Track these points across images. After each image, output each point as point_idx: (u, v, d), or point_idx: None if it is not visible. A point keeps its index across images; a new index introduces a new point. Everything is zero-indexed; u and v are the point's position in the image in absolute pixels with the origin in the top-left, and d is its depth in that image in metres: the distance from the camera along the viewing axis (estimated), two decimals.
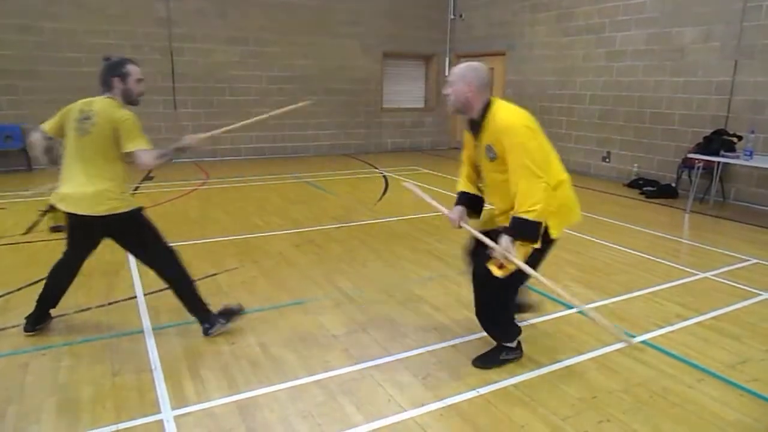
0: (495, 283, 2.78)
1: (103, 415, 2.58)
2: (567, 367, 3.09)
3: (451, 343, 3.35)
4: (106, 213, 3.06)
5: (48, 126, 3.22)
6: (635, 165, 8.97)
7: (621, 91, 9.11)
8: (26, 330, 3.35)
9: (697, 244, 5.63)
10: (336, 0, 11.45)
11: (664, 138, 8.51)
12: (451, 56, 12.87)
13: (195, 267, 4.55)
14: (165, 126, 10.22)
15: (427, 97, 13.26)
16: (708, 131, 7.55)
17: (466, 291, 4.18)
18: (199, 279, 4.32)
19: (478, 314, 3.03)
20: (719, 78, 7.67)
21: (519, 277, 2.84)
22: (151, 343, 3.30)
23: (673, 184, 8.15)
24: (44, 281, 3.39)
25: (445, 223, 6.22)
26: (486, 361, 3.09)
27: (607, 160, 9.47)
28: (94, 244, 3.31)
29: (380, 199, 7.56)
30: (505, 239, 2.69)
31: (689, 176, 7.74)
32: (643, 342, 3.41)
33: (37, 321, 3.38)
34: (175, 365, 3.05)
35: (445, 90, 2.97)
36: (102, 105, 3.08)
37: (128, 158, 3.10)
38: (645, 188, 8.26)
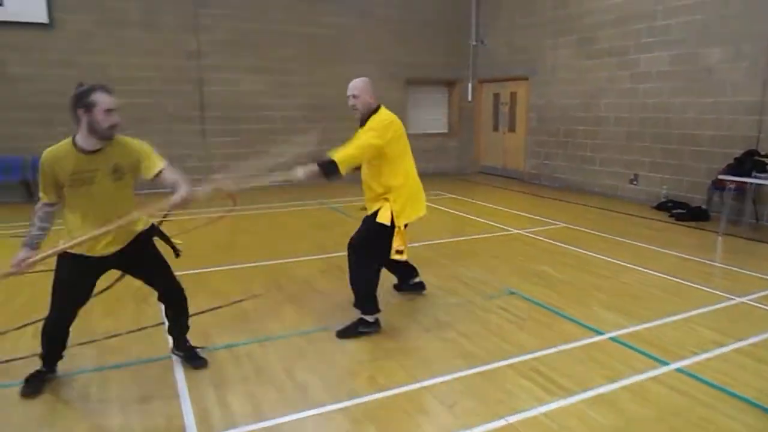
0: (359, 254, 3.78)
1: None
2: (599, 395, 3.00)
3: (478, 370, 3.30)
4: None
5: None
6: (664, 187, 8.81)
7: (647, 112, 9.02)
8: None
9: (731, 268, 5.47)
10: (359, 29, 11.69)
11: (694, 159, 8.36)
12: (474, 82, 12.95)
13: (222, 293, 4.61)
14: (194, 154, 10.49)
15: (450, 122, 13.32)
16: (739, 152, 7.40)
17: (493, 317, 4.14)
18: (226, 305, 4.38)
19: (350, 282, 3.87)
20: (749, 98, 7.54)
21: (379, 254, 3.79)
22: (178, 369, 3.33)
23: (704, 206, 7.97)
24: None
25: (470, 248, 6.20)
26: (345, 333, 3.76)
27: (635, 182, 9.33)
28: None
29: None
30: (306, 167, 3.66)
31: (720, 198, 7.56)
32: (678, 369, 3.30)
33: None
34: (202, 391, 3.06)
35: (351, 101, 3.78)
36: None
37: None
38: (674, 210, 8.09)
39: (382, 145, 3.66)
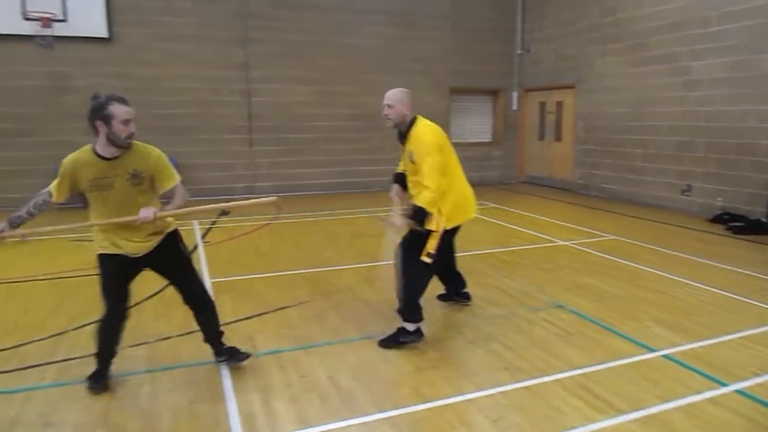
0: (408, 260, 3.72)
1: None
2: (651, 415, 2.89)
3: (524, 384, 3.23)
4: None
5: None
6: (719, 199, 8.45)
7: (700, 121, 8.69)
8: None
9: None
10: (403, 39, 11.76)
11: (752, 170, 7.98)
12: (519, 90, 12.80)
13: (267, 299, 4.69)
14: (241, 163, 10.77)
15: (494, 131, 13.19)
16: None
17: (537, 329, 4.06)
18: (270, 311, 4.45)
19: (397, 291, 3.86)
20: None
21: (429, 266, 3.70)
22: (225, 373, 3.39)
23: (764, 219, 7.59)
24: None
25: (514, 259, 6.10)
26: (387, 342, 3.75)
27: (688, 193, 8.98)
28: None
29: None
30: (399, 215, 3.73)
31: None
32: (738, 391, 3.14)
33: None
34: (248, 396, 3.12)
35: (386, 111, 3.82)
36: None
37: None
38: (731, 223, 7.74)
39: (442, 160, 3.68)
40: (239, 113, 10.71)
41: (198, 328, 3.46)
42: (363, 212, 9.13)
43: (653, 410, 2.93)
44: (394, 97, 3.79)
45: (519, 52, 12.69)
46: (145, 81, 10.07)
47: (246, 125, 10.82)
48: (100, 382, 3.20)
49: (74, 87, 9.66)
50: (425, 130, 3.74)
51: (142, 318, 4.27)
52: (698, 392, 3.11)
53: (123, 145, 2.97)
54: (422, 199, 3.60)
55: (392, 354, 3.66)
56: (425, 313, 3.87)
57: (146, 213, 2.92)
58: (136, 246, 3.11)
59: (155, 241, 3.17)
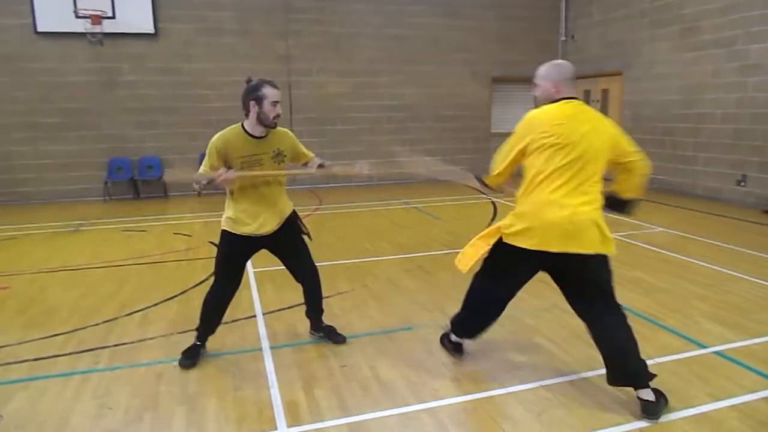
0: (481, 267, 3.13)
1: (226, 428, 2.74)
2: (702, 413, 2.79)
3: (568, 378, 3.17)
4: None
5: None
6: None
7: (758, 108, 8.27)
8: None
9: None
10: (444, 28, 11.62)
11: None
12: None
13: None
14: None
15: None
16: None
17: (582, 323, 3.95)
18: None
19: None
20: None
21: (487, 278, 3.08)
22: (268, 361, 3.46)
23: None
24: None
25: None
26: (441, 337, 3.54)
27: (743, 183, 8.58)
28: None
29: (489, 225, 7.43)
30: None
31: None
32: None
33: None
34: (291, 384, 3.17)
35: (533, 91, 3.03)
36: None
37: None
38: None
39: (513, 147, 3.08)
40: (281, 105, 10.83)
41: (304, 302, 3.74)
42: (401, 204, 9.12)
43: (704, 408, 2.82)
44: (540, 71, 2.96)
45: (563, 39, 12.36)
46: (191, 75, 10.32)
47: (287, 117, 10.94)
48: (192, 359, 3.40)
49: (123, 82, 9.99)
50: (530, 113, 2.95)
51: (190, 306, 4.40)
52: (753, 391, 2.98)
53: (270, 125, 3.22)
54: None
55: (433, 345, 3.65)
56: (461, 303, 3.80)
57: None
58: (259, 226, 3.30)
59: (281, 220, 3.39)
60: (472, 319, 3.29)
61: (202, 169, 3.19)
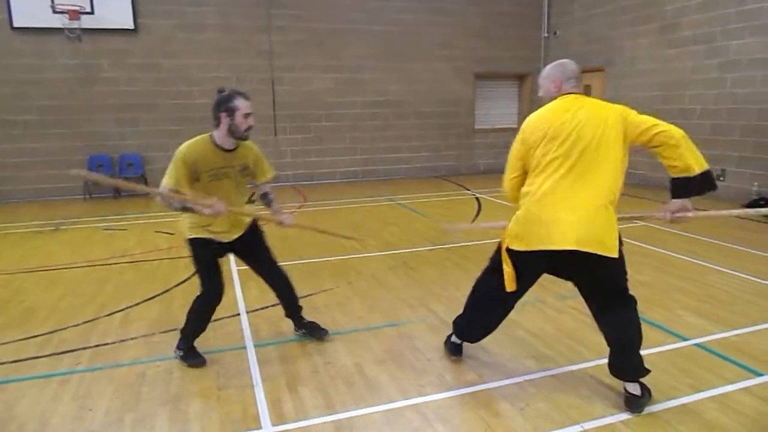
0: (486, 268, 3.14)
1: (210, 427, 2.72)
2: (683, 405, 2.82)
3: (551, 372, 3.19)
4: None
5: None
6: (755, 184, 8.18)
7: (736, 103, 8.40)
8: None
9: None
10: (428, 24, 11.62)
11: None
12: None
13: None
14: (266, 152, 10.73)
15: (520, 117, 12.99)
16: None
17: (565, 318, 4.00)
18: None
19: None
20: None
21: (495, 289, 2.96)
22: (252, 359, 3.44)
23: None
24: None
25: None
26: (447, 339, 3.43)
27: (722, 178, 8.71)
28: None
29: (473, 221, 7.46)
30: None
31: None
32: None
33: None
34: (275, 382, 3.15)
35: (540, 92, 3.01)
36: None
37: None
38: None
39: (518, 152, 3.00)
40: (264, 101, 10.76)
41: (279, 303, 3.74)
42: (386, 200, 9.11)
43: (685, 400, 2.86)
44: (543, 72, 2.94)
45: (546, 35, 12.42)
46: (171, 71, 10.18)
47: (270, 114, 10.87)
48: (199, 357, 3.38)
49: (102, 78, 9.83)
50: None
51: (172, 305, 4.35)
52: (732, 382, 3.03)
53: (242, 137, 3.14)
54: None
55: (417, 342, 3.66)
56: (445, 300, 3.81)
57: (289, 220, 3.48)
58: (227, 233, 3.29)
59: (242, 229, 3.38)
60: (476, 319, 3.19)
61: (167, 180, 3.00)
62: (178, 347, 3.42)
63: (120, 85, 9.93)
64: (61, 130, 9.77)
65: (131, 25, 9.78)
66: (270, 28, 10.61)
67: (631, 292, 2.85)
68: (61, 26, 9.22)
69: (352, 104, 11.40)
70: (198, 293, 3.33)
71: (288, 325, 3.90)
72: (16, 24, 9.19)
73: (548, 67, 2.93)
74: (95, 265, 5.57)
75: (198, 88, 10.24)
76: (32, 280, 5.14)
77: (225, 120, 3.08)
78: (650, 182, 9.92)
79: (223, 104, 3.07)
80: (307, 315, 3.80)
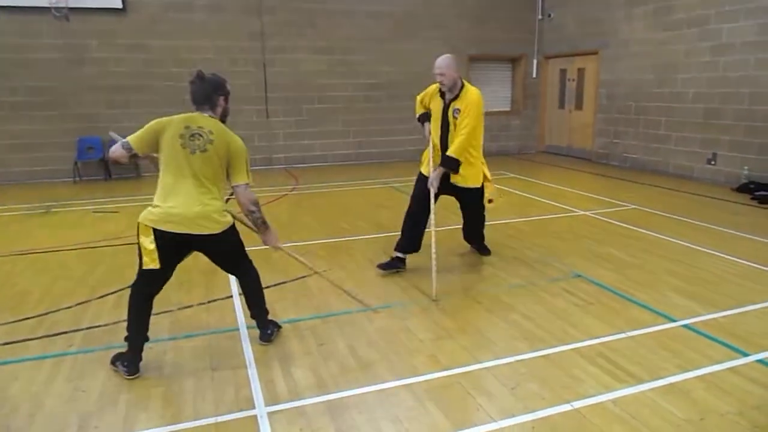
0: (480, 210, 4.91)
1: (203, 408, 2.73)
2: (671, 384, 2.87)
3: (542, 353, 3.23)
4: (219, 231, 3.01)
5: (136, 143, 2.96)
6: (745, 168, 8.23)
7: (729, 87, 8.41)
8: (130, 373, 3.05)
9: None
10: (420, 5, 11.50)
11: None
12: (539, 57, 12.50)
13: (285, 269, 4.73)
14: (258, 134, 10.75)
15: (514, 100, 12.96)
16: None
17: (557, 300, 4.04)
18: (289, 281, 4.50)
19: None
20: None
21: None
22: (246, 340, 3.45)
23: None
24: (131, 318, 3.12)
25: (533, 229, 6.05)
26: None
27: (713, 162, 8.77)
28: (178, 263, 3.24)
29: None
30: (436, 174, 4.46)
31: None
32: (760, 361, 3.10)
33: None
34: (268, 363, 3.17)
35: (438, 78, 4.31)
36: (214, 125, 3.02)
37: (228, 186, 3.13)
38: (757, 192, 7.55)
39: (480, 124, 4.39)
40: (255, 83, 10.65)
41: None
42: (379, 183, 9.09)
43: (673, 379, 2.91)
44: (443, 64, 4.26)
45: (540, 17, 12.34)
46: (161, 52, 10.04)
47: (262, 96, 10.77)
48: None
49: (91, 59, 9.67)
50: (477, 94, 4.32)
51: (166, 287, 4.33)
52: (719, 362, 3.09)
53: (225, 122, 3.17)
54: (453, 149, 4.29)
55: (409, 323, 3.69)
56: (444, 283, 3.84)
57: (273, 240, 3.40)
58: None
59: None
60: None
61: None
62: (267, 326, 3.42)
63: (109, 66, 9.77)
64: (49, 112, 9.62)
65: (119, 4, 9.59)
66: (261, 9, 10.45)
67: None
68: (47, 5, 9.02)
69: (344, 86, 11.31)
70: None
71: (281, 306, 3.93)
72: (0, 2, 9.00)
73: (446, 60, 4.27)
74: (87, 248, 5.54)
75: (188, 69, 10.03)
76: (24, 263, 5.11)
77: (222, 104, 3.11)
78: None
79: (222, 89, 3.10)
80: (300, 297, 3.81)
